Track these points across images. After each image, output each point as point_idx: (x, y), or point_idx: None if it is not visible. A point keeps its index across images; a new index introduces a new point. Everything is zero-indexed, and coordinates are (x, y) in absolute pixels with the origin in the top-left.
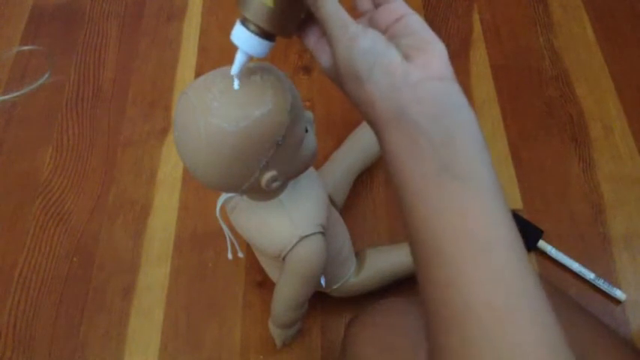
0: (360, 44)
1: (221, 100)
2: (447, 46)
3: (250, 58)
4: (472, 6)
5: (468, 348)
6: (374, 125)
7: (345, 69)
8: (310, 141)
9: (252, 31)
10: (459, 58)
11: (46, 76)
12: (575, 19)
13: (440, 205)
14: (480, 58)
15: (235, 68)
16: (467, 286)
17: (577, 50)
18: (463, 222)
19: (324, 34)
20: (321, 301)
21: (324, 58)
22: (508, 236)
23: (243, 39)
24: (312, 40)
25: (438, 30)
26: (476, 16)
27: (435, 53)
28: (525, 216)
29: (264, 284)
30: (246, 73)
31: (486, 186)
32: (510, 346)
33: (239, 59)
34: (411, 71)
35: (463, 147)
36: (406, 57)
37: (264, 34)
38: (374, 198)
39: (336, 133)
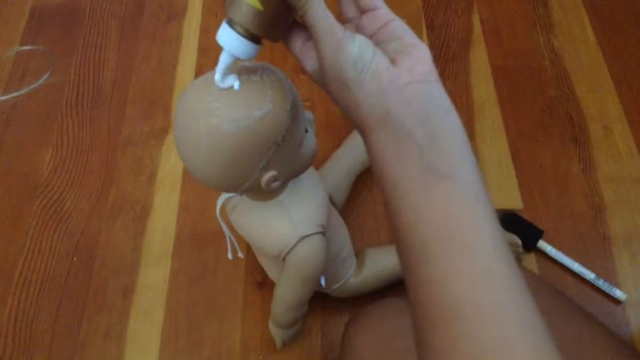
0: (347, 49)
1: (221, 101)
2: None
3: (235, 60)
4: (472, 6)
5: (453, 345)
6: (360, 128)
7: (332, 73)
8: (310, 141)
9: (238, 33)
10: (459, 58)
11: (46, 76)
12: (575, 19)
13: (425, 206)
14: (480, 58)
15: (220, 69)
16: (452, 285)
17: (577, 50)
18: (448, 221)
19: (310, 38)
20: (321, 301)
21: (309, 63)
22: (493, 235)
23: (229, 40)
24: (297, 44)
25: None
26: (476, 16)
27: (419, 56)
28: (525, 216)
29: (264, 284)
30: (246, 73)
31: (471, 186)
32: (495, 343)
33: (223, 60)
34: (397, 75)
35: (448, 148)
36: (392, 61)
37: (251, 37)
38: (374, 198)
39: (336, 133)
